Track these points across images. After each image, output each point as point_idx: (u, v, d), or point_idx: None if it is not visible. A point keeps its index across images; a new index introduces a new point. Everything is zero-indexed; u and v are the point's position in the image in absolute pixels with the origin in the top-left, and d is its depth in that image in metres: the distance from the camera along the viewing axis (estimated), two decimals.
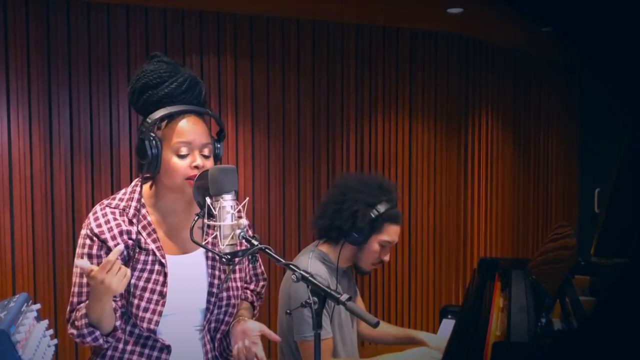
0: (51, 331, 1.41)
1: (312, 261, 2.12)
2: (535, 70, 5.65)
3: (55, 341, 1.40)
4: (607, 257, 2.13)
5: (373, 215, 2.07)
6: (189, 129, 1.62)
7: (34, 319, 1.35)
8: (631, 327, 1.16)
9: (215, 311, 1.72)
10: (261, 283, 1.94)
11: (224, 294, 1.72)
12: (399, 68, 4.56)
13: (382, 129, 4.53)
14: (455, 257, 4.90)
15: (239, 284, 1.78)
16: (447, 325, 2.52)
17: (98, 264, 1.62)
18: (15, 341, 1.19)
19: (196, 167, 1.61)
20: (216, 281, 1.71)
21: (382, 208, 2.08)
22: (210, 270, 1.71)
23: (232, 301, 1.74)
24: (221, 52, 3.99)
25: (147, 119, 1.61)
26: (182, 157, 1.62)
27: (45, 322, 1.41)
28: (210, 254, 1.72)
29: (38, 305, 1.40)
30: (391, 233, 2.13)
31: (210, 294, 1.70)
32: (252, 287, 1.91)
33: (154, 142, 1.60)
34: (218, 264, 1.72)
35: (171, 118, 1.63)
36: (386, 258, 2.18)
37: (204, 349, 1.73)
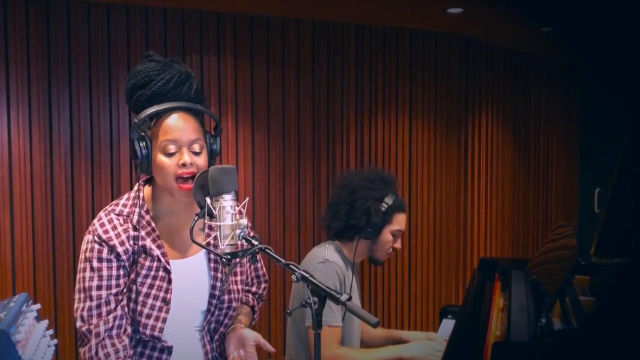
0: (51, 331, 1.41)
1: (329, 251, 2.20)
2: (535, 70, 5.65)
3: (55, 341, 1.40)
4: (607, 257, 2.13)
5: (383, 209, 2.18)
6: (176, 126, 1.59)
7: (34, 319, 1.35)
8: (631, 327, 1.16)
9: (216, 312, 1.72)
10: (262, 285, 1.93)
11: (225, 297, 1.72)
12: (399, 68, 4.56)
13: (382, 129, 4.53)
14: (455, 257, 4.90)
15: (239, 286, 1.78)
16: (447, 325, 2.52)
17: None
18: (15, 341, 1.19)
19: (184, 164, 1.58)
20: (218, 283, 1.71)
21: (389, 200, 2.21)
22: (212, 273, 1.71)
23: (233, 304, 1.74)
24: (221, 52, 3.98)
25: (135, 119, 1.60)
26: (169, 155, 1.59)
27: (45, 322, 1.41)
28: (212, 256, 1.71)
29: (38, 305, 1.39)
30: (400, 221, 2.26)
31: (212, 296, 1.70)
32: (253, 289, 1.91)
33: (143, 142, 1.59)
34: (220, 266, 1.72)
35: (158, 116, 1.60)
36: (398, 246, 2.29)
37: (204, 350, 1.73)
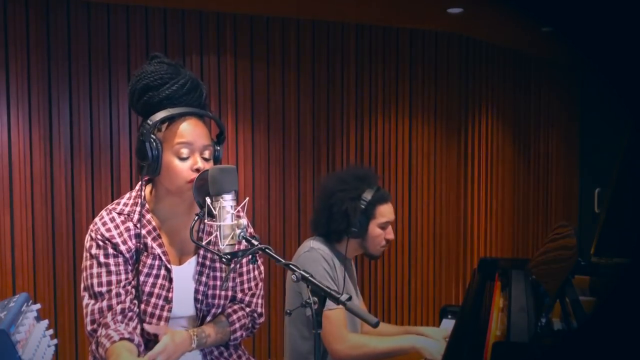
0: (51, 331, 1.41)
1: (314, 242, 2.22)
2: (535, 70, 5.65)
3: (55, 341, 1.40)
4: (607, 257, 2.13)
5: (363, 206, 2.17)
6: (190, 130, 1.62)
7: (34, 319, 1.35)
8: (631, 327, 1.16)
9: (207, 316, 1.73)
10: (258, 321, 1.82)
11: (210, 301, 1.72)
12: (399, 68, 4.56)
13: (382, 129, 4.53)
14: (455, 257, 4.90)
15: (228, 292, 1.77)
16: (447, 325, 2.52)
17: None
18: (15, 341, 1.19)
19: (197, 169, 1.60)
20: (202, 288, 1.71)
21: (368, 195, 2.19)
22: (197, 276, 1.71)
23: (213, 310, 1.73)
24: (221, 52, 3.98)
25: (148, 121, 1.60)
26: (183, 159, 1.61)
27: (45, 322, 1.41)
28: (200, 259, 1.71)
29: (38, 305, 1.39)
30: (385, 213, 2.24)
31: (196, 300, 1.71)
32: (247, 309, 1.80)
33: (154, 143, 1.59)
34: (206, 271, 1.72)
35: (172, 120, 1.62)
36: (390, 237, 2.28)
37: (202, 352, 1.74)
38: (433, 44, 4.67)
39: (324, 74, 4.30)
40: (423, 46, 4.63)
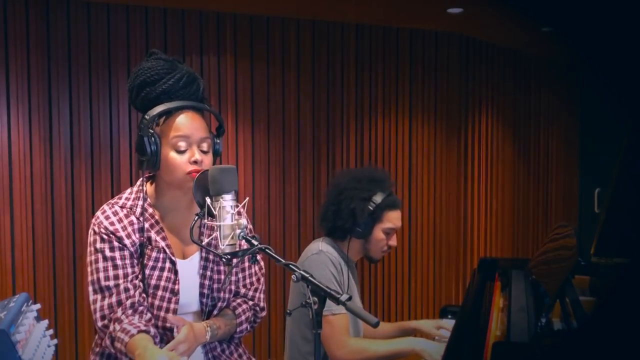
0: (51, 331, 1.41)
1: (323, 244, 2.22)
2: (535, 70, 5.65)
3: (55, 341, 1.40)
4: (607, 257, 2.13)
5: (371, 208, 2.16)
6: (187, 123, 1.63)
7: (34, 319, 1.35)
8: (631, 327, 1.16)
9: (212, 311, 1.74)
10: (260, 314, 1.85)
11: (215, 295, 1.73)
12: (399, 68, 4.56)
13: (382, 129, 4.53)
14: (455, 257, 4.90)
15: (232, 286, 1.78)
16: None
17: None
18: (15, 341, 1.19)
19: (195, 162, 1.61)
20: (207, 282, 1.71)
21: (378, 199, 2.18)
22: (201, 271, 1.72)
23: (218, 303, 1.75)
24: (221, 52, 3.98)
25: (146, 116, 1.61)
26: (180, 152, 1.62)
27: (45, 322, 1.41)
28: (203, 254, 1.72)
29: (38, 305, 1.40)
30: (392, 219, 2.23)
31: (201, 294, 1.71)
32: (250, 303, 1.83)
33: (152, 138, 1.60)
34: (210, 265, 1.72)
35: (169, 114, 1.63)
36: (393, 243, 2.28)
37: (204, 350, 1.74)
38: (433, 44, 4.67)
39: (324, 74, 4.30)
40: (423, 46, 4.63)
